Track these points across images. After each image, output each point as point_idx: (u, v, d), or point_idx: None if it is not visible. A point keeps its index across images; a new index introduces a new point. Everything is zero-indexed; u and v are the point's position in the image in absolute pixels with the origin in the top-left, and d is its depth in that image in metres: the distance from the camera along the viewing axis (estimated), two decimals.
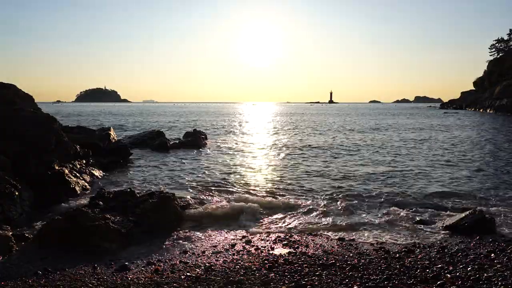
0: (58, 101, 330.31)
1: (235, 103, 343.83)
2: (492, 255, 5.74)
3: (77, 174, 10.56)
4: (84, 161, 11.64)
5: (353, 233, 7.11)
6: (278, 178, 11.97)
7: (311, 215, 8.25)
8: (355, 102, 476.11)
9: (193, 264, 5.68)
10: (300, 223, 7.69)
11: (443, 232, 7.14)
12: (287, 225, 7.60)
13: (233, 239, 6.80)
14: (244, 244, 6.53)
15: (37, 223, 7.46)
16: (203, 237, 6.90)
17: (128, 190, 8.59)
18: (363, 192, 10.16)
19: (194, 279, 5.00)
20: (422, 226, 7.51)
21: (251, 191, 10.37)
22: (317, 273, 5.13)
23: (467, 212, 7.50)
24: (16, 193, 8.10)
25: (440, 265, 5.32)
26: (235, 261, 5.69)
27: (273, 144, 21.93)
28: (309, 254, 5.89)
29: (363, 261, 5.56)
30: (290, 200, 9.39)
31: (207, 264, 5.62)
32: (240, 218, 8.00)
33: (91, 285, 4.87)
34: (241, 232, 7.18)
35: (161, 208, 7.79)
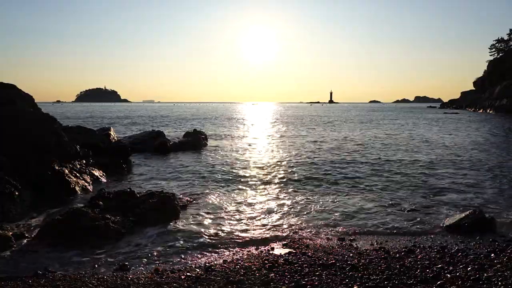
0: (58, 101, 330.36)
1: (235, 103, 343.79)
2: (492, 255, 5.74)
3: (77, 174, 10.56)
4: (84, 161, 11.63)
5: (353, 233, 7.11)
6: (279, 177, 11.96)
7: (311, 215, 8.24)
8: (355, 102, 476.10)
9: (193, 264, 5.68)
10: (300, 223, 7.68)
11: (443, 232, 7.14)
12: (287, 225, 7.59)
13: (233, 239, 6.80)
14: (244, 244, 6.54)
15: (37, 223, 7.46)
16: (203, 237, 6.89)
17: (128, 190, 8.59)
18: (363, 192, 10.17)
19: (194, 279, 5.00)
20: (422, 226, 7.51)
21: (251, 191, 10.37)
22: (317, 273, 5.13)
23: (467, 212, 7.49)
24: (16, 193, 8.10)
25: (440, 265, 5.32)
26: (235, 261, 5.69)
27: (276, 143, 21.94)
28: (309, 254, 5.88)
29: (363, 261, 5.56)
30: (291, 200, 9.39)
31: (207, 264, 5.62)
32: (240, 218, 8.01)
33: (91, 285, 4.87)
34: (241, 232, 7.17)
35: (161, 208, 7.80)
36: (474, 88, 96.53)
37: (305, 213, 8.38)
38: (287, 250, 6.16)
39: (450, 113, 68.91)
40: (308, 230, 7.26)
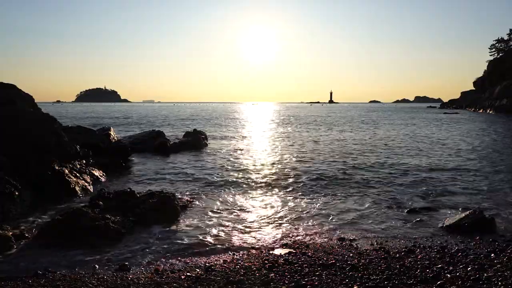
0: (58, 101, 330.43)
1: (235, 103, 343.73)
2: (492, 255, 5.74)
3: (77, 174, 10.56)
4: (84, 161, 11.64)
5: (353, 233, 7.11)
6: (279, 177, 11.96)
7: (312, 215, 8.24)
8: (355, 102, 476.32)
9: (193, 264, 5.68)
10: (300, 224, 7.68)
11: (443, 232, 7.14)
12: (287, 225, 7.59)
13: (234, 239, 6.80)
14: (244, 244, 6.54)
15: (37, 223, 7.46)
16: (203, 237, 6.89)
17: (128, 190, 8.59)
18: (363, 192, 10.16)
19: (194, 279, 5.00)
20: (422, 226, 7.51)
21: (251, 191, 10.36)
22: (317, 273, 5.13)
23: (467, 212, 7.49)
24: (16, 193, 8.10)
25: (440, 265, 5.32)
26: (235, 261, 5.69)
27: (276, 143, 21.94)
28: (309, 254, 5.88)
29: (363, 261, 5.56)
30: (291, 200, 9.40)
31: (207, 264, 5.62)
32: (240, 218, 8.02)
33: (91, 285, 4.87)
34: (241, 232, 7.17)
35: (161, 208, 7.79)
36: (474, 88, 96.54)
37: (305, 213, 8.38)
38: (287, 250, 6.16)
39: (450, 113, 68.94)
40: (308, 230, 7.26)
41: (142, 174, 12.79)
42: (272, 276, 5.06)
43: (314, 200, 9.41)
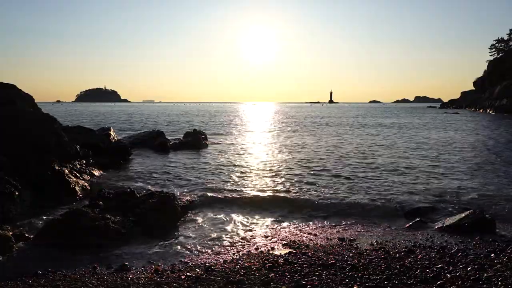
0: (58, 101, 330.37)
1: (235, 103, 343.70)
2: (492, 255, 5.74)
3: (77, 174, 10.56)
4: (84, 161, 11.63)
5: (353, 233, 7.11)
6: (279, 177, 11.96)
7: (311, 215, 8.24)
8: (355, 102, 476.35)
9: (193, 264, 5.69)
10: (300, 224, 7.69)
11: (443, 232, 7.14)
12: (287, 225, 7.59)
13: (233, 240, 6.81)
14: (244, 244, 6.54)
15: (37, 223, 7.47)
16: (203, 237, 6.90)
17: (128, 190, 8.59)
18: (363, 192, 10.16)
19: (194, 279, 5.00)
20: (422, 226, 7.50)
21: (251, 191, 10.36)
22: (317, 273, 5.13)
23: (467, 212, 7.49)
24: (16, 193, 8.10)
25: (440, 265, 5.32)
26: (235, 261, 5.69)
27: (276, 143, 21.93)
28: (309, 254, 5.88)
29: (363, 261, 5.56)
30: (291, 200, 9.39)
31: (207, 264, 5.62)
32: (240, 218, 8.02)
33: (91, 285, 4.87)
34: (241, 233, 7.18)
35: (161, 208, 7.79)
36: (474, 88, 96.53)
37: (305, 213, 8.38)
38: (287, 250, 6.16)
39: (450, 113, 68.96)
40: (308, 230, 7.27)
41: (142, 174, 12.78)
42: (272, 276, 5.06)
43: (313, 200, 9.39)
